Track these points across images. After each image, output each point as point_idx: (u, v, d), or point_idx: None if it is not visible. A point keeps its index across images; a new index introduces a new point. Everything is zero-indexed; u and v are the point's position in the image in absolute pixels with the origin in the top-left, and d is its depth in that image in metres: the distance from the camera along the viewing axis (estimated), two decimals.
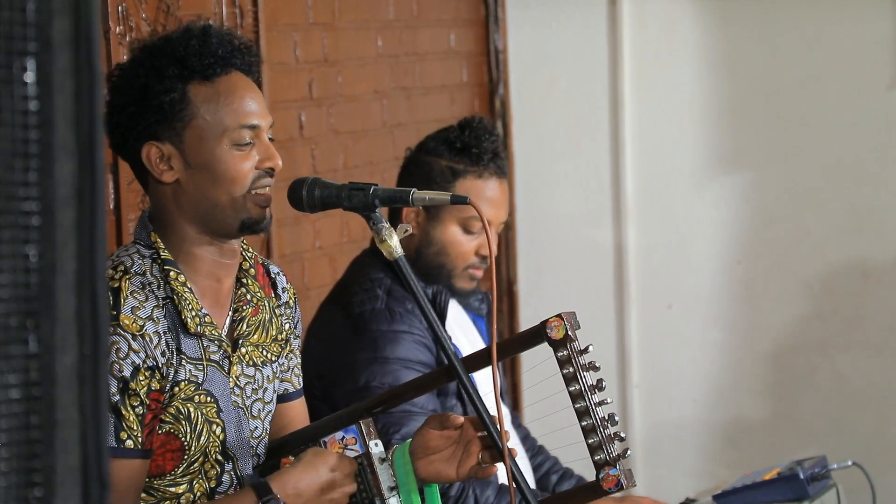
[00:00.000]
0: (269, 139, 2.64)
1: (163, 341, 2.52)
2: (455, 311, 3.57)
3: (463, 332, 3.55)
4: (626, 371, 5.06)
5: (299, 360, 2.85)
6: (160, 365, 2.51)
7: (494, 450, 2.59)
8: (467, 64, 5.01)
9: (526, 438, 3.74)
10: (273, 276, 2.81)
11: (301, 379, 2.85)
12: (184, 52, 2.58)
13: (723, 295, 5.00)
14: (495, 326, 2.60)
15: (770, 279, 4.95)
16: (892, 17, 4.78)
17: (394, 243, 2.54)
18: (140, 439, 2.49)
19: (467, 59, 5.01)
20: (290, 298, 2.82)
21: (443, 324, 3.35)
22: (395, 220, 3.50)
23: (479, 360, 2.64)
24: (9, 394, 1.31)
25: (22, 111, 1.31)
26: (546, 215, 5.16)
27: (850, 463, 3.46)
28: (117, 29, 3.40)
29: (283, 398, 2.80)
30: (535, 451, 3.73)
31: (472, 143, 3.48)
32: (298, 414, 2.84)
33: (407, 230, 2.57)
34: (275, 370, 2.75)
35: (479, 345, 3.55)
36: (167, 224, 2.62)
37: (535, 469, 3.68)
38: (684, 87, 5.00)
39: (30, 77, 1.31)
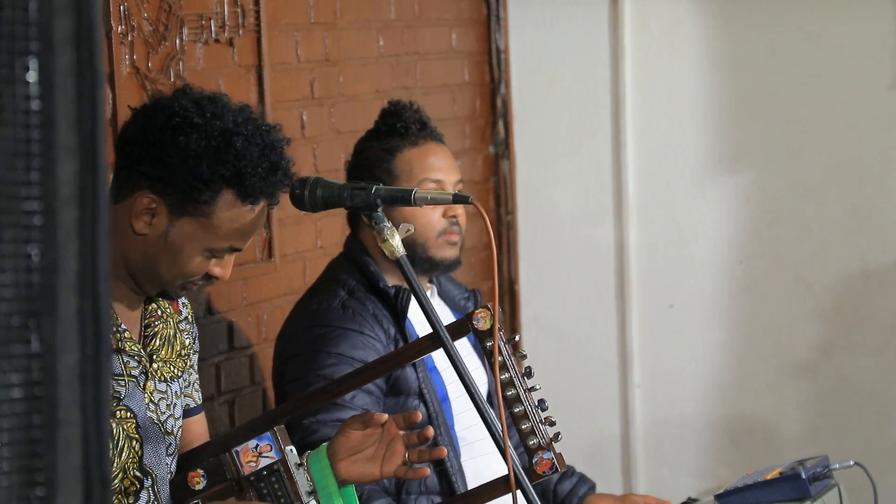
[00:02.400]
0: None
1: None
2: (439, 309, 3.56)
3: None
4: (627, 371, 5.06)
5: (198, 377, 2.86)
6: None
7: (420, 450, 2.61)
8: (469, 63, 5.01)
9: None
10: None
11: (200, 395, 2.86)
12: (249, 171, 2.56)
13: (724, 294, 5.00)
14: (497, 325, 2.60)
15: (772, 279, 4.94)
16: (894, 17, 4.77)
17: (396, 242, 2.55)
18: None
19: (469, 58, 5.01)
20: (189, 314, 2.84)
21: (403, 323, 3.36)
22: (353, 226, 3.53)
23: (422, 345, 2.66)
24: (10, 393, 1.31)
25: (24, 111, 1.31)
26: (547, 214, 5.16)
27: (851, 463, 3.45)
28: (119, 28, 3.40)
29: (185, 413, 2.80)
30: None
31: (396, 121, 3.51)
32: (200, 428, 2.85)
33: (409, 230, 2.57)
34: (181, 385, 2.76)
35: (462, 344, 3.55)
36: None
37: None
38: (686, 86, 5.00)
39: (31, 76, 1.31)
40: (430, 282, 3.58)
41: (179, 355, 2.76)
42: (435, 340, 2.62)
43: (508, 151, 5.12)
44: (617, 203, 5.09)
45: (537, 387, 2.62)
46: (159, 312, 2.72)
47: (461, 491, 3.32)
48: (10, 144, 1.30)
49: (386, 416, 2.63)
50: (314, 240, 4.17)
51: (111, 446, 2.55)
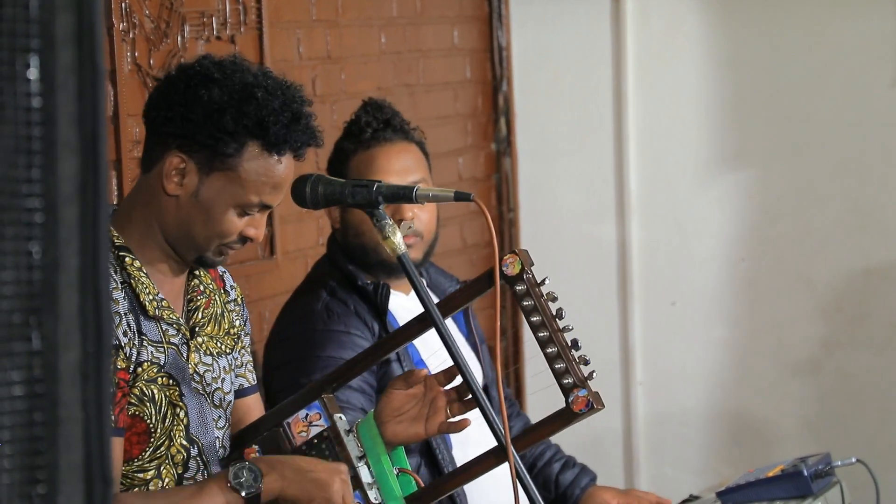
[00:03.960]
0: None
1: (124, 322, 2.55)
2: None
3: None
4: (629, 368, 5.06)
5: (251, 358, 2.88)
6: (122, 345, 2.54)
7: (461, 403, 2.64)
8: (470, 61, 5.01)
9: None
10: (221, 273, 2.86)
11: (254, 375, 2.89)
12: (271, 121, 2.59)
13: (726, 292, 5.00)
14: (499, 322, 2.60)
15: (774, 276, 4.94)
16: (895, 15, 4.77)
17: (397, 240, 2.55)
18: (112, 417, 2.51)
19: (471, 56, 5.01)
20: (238, 296, 2.87)
21: (385, 318, 3.36)
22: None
23: (412, 328, 2.68)
24: (12, 391, 1.31)
25: (25, 108, 1.31)
26: (549, 212, 5.16)
27: (853, 460, 3.45)
28: (120, 26, 3.40)
29: (238, 394, 2.83)
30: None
31: (353, 124, 3.47)
32: (254, 408, 2.87)
33: (410, 227, 2.58)
34: (230, 362, 2.79)
35: (456, 335, 3.53)
36: (138, 218, 2.66)
37: (536, 457, 3.68)
38: (688, 84, 5.00)
39: (33, 74, 1.31)
40: (420, 274, 3.57)
41: (228, 333, 2.79)
42: (424, 322, 2.63)
43: (510, 149, 5.12)
44: (619, 200, 5.08)
45: (570, 326, 2.60)
46: (202, 288, 2.74)
47: (446, 463, 3.32)
48: (12, 142, 1.30)
49: (426, 370, 2.66)
50: (316, 237, 4.17)
51: (154, 411, 2.59)
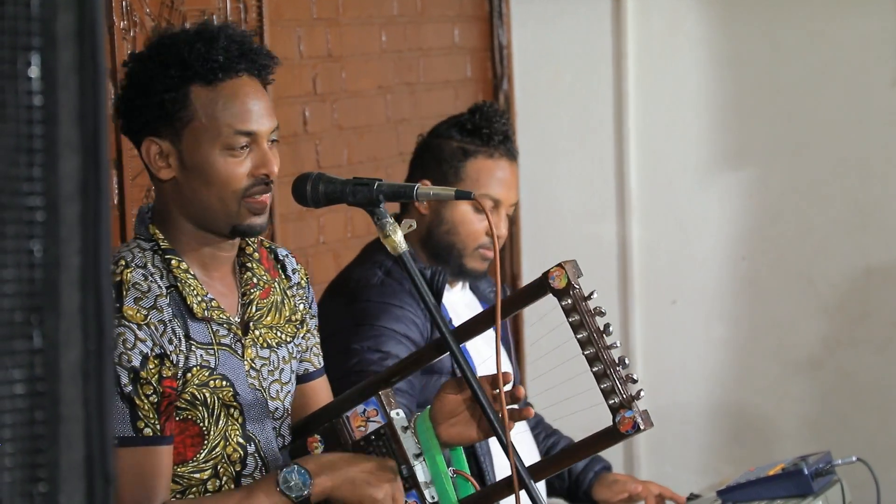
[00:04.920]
0: (273, 141, 2.64)
1: (169, 329, 2.53)
2: (465, 295, 3.58)
3: (471, 315, 3.54)
4: (630, 367, 5.06)
5: (318, 340, 2.86)
6: (168, 353, 2.52)
7: (512, 410, 2.60)
8: (471, 59, 5.01)
9: (538, 423, 3.74)
10: (282, 258, 2.82)
11: (321, 358, 2.86)
12: (188, 53, 2.59)
13: (727, 291, 5.00)
14: (499, 315, 2.60)
15: (774, 275, 4.94)
16: None
17: (398, 238, 2.55)
18: (157, 426, 2.51)
19: (471, 54, 5.01)
20: (302, 279, 2.83)
21: (439, 303, 3.36)
22: (403, 208, 3.53)
23: (481, 321, 2.64)
24: (13, 389, 1.31)
25: (26, 106, 1.31)
26: (550, 211, 5.16)
27: (854, 459, 3.45)
28: (121, 24, 3.40)
29: (304, 378, 2.82)
30: (549, 432, 3.73)
31: (483, 125, 3.52)
32: (321, 392, 2.85)
33: (411, 225, 2.57)
34: (291, 351, 2.76)
35: (491, 336, 3.54)
36: (167, 218, 2.64)
37: (550, 447, 3.69)
38: (688, 82, 4.99)
39: (34, 72, 1.31)
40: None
41: (289, 320, 2.76)
42: (486, 322, 2.62)
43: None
44: (619, 199, 5.08)
45: (617, 344, 2.56)
46: (255, 280, 2.71)
47: (489, 472, 3.33)
48: (13, 140, 1.30)
49: (478, 374, 2.63)
50: (317, 235, 4.17)
51: (206, 414, 2.58)
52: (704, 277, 5.01)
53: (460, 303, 3.53)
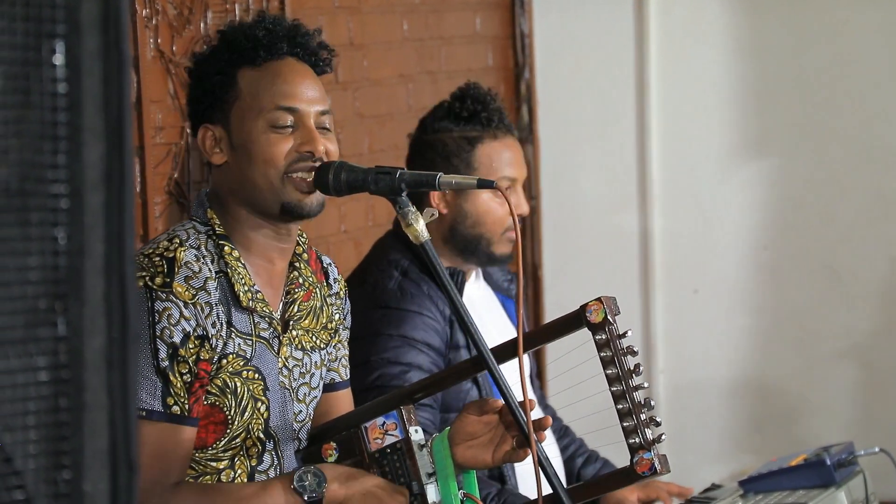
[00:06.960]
0: (325, 128, 2.66)
1: (214, 312, 2.55)
2: (483, 291, 3.57)
3: (490, 313, 3.53)
4: (651, 357, 5.05)
5: (347, 352, 2.86)
6: (210, 335, 2.54)
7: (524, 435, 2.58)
8: (493, 48, 5.00)
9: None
10: (325, 265, 2.84)
11: (348, 370, 2.87)
12: (233, 37, 2.67)
13: (749, 280, 4.98)
14: (521, 312, 2.59)
15: (796, 265, 4.93)
16: None
17: (420, 227, 2.54)
18: (187, 406, 2.51)
19: (493, 43, 5.00)
20: (341, 290, 2.86)
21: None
22: (419, 203, 3.50)
23: (507, 350, 2.62)
24: (38, 376, 1.31)
25: (51, 93, 1.31)
26: (571, 200, 5.15)
27: (877, 449, 3.44)
28: (143, 12, 3.40)
29: (328, 388, 2.82)
30: (561, 432, 3.72)
31: (479, 109, 3.50)
32: (343, 404, 2.86)
33: (433, 214, 2.57)
34: (323, 357, 2.77)
35: (506, 327, 3.53)
36: (223, 205, 2.67)
37: (560, 452, 3.67)
38: (711, 71, 4.98)
39: (59, 59, 1.31)
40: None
41: (325, 328, 2.77)
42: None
43: (532, 136, 5.11)
44: (641, 188, 5.07)
45: (644, 385, 2.55)
46: (300, 280, 2.72)
47: (510, 475, 3.31)
48: (37, 127, 1.30)
49: (501, 401, 2.60)
50: (338, 224, 4.17)
51: (234, 403, 2.58)
52: (726, 267, 5.00)
53: (475, 294, 3.52)
